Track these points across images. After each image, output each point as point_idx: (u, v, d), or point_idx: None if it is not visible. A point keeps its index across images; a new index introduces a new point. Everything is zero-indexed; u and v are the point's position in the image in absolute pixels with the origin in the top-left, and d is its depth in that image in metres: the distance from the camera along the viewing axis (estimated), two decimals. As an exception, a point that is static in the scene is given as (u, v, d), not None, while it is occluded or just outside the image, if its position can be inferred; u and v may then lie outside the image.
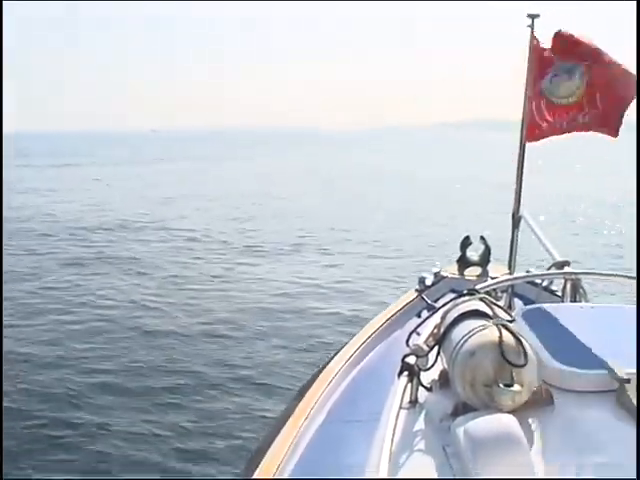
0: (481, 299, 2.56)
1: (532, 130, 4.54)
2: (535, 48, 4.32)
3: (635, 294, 3.10)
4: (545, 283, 4.35)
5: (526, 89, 4.39)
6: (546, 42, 4.31)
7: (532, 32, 4.26)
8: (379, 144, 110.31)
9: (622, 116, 4.38)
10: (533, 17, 4.27)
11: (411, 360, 2.37)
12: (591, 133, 4.59)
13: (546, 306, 3.23)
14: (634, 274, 3.35)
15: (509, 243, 4.77)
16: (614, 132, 4.48)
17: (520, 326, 2.57)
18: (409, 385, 2.38)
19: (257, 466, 2.71)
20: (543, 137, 4.58)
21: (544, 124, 4.51)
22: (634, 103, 4.30)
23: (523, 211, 4.65)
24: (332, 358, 3.65)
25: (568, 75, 4.26)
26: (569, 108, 4.44)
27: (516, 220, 4.65)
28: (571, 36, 4.24)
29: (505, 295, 4.32)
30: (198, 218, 21.33)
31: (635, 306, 3.19)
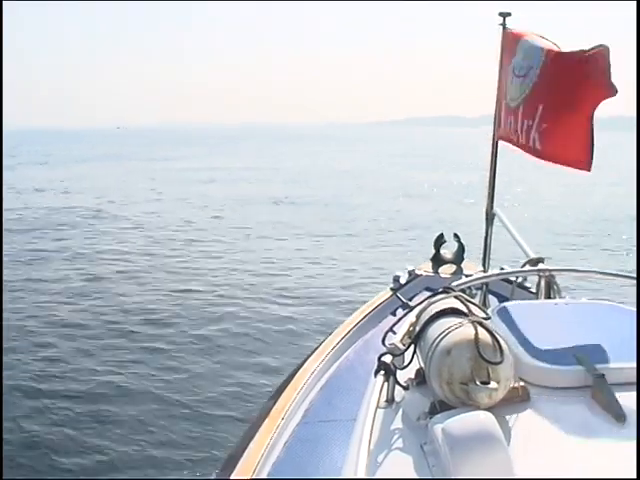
0: (456, 297, 2.56)
1: (502, 130, 4.42)
2: (506, 37, 4.23)
3: (635, 294, 3.10)
4: (519, 280, 4.37)
5: (499, 85, 4.39)
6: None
7: (504, 31, 4.29)
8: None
9: (591, 138, 3.30)
10: (505, 15, 4.30)
11: (387, 359, 2.37)
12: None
13: (521, 303, 3.25)
14: (634, 274, 3.34)
15: (483, 240, 4.79)
16: (584, 164, 3.39)
17: (495, 323, 2.58)
18: (386, 384, 2.38)
19: (234, 468, 2.70)
20: (509, 143, 4.29)
21: (506, 128, 4.28)
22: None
23: (496, 208, 4.68)
24: (307, 358, 3.65)
25: (524, 75, 3.90)
26: (512, 112, 4.08)
27: (489, 217, 4.68)
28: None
29: (480, 293, 4.34)
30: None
31: (610, 303, 3.22)
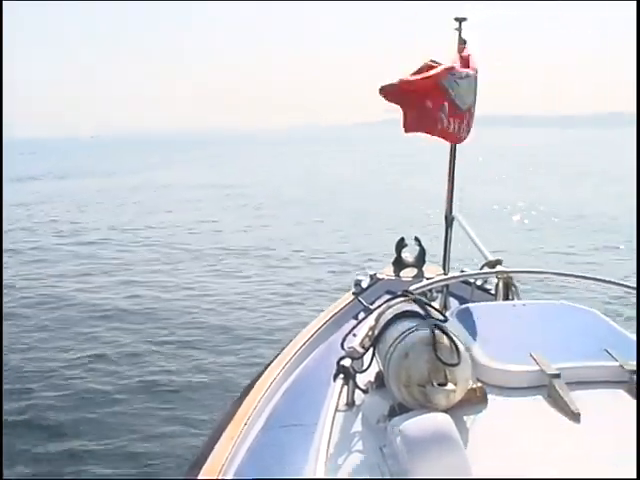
0: (414, 300, 2.58)
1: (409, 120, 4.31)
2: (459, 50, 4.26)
3: (635, 304, 3.12)
4: (479, 282, 4.42)
5: None
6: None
7: (460, 35, 4.32)
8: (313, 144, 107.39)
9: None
10: (460, 20, 4.34)
11: (346, 362, 2.38)
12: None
13: (479, 305, 3.29)
14: (634, 284, 3.36)
15: (442, 244, 4.83)
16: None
17: (453, 325, 2.61)
18: (345, 388, 2.39)
19: (197, 474, 2.69)
20: (422, 131, 4.30)
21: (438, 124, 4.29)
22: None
23: (455, 212, 4.72)
24: (270, 363, 3.64)
25: (468, 80, 4.02)
26: (463, 115, 4.13)
27: (449, 221, 4.71)
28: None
29: (441, 295, 4.38)
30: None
31: (567, 303, 3.28)
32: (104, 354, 8.94)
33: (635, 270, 11.66)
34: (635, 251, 13.06)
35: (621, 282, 3.45)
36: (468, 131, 4.11)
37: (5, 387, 7.65)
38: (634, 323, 3.16)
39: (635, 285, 3.29)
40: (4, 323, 10.10)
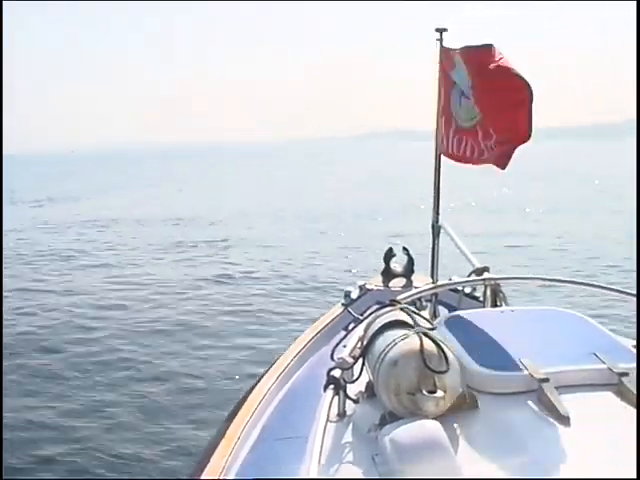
0: (402, 309, 2.60)
1: (444, 146, 4.39)
2: (444, 53, 4.26)
3: (635, 310, 3.13)
4: (467, 290, 4.44)
5: (438, 100, 4.43)
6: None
7: (441, 46, 4.34)
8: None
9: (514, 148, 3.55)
10: (441, 31, 4.36)
11: (336, 373, 2.40)
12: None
13: (467, 312, 3.31)
14: (634, 290, 3.36)
15: (430, 253, 4.85)
16: (502, 164, 3.65)
17: (442, 333, 2.63)
18: (336, 398, 2.40)
19: None
20: (456, 160, 4.25)
21: (454, 148, 4.24)
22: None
23: (442, 221, 4.74)
24: (262, 377, 3.65)
25: (466, 95, 3.91)
26: (469, 133, 4.03)
27: (436, 230, 4.73)
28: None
29: (430, 304, 4.40)
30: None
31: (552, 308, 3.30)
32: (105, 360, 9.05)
33: (635, 277, 11.72)
34: (635, 256, 13.07)
35: (618, 288, 3.45)
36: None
37: (5, 387, 7.79)
38: (621, 326, 3.18)
39: (635, 292, 3.30)
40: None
